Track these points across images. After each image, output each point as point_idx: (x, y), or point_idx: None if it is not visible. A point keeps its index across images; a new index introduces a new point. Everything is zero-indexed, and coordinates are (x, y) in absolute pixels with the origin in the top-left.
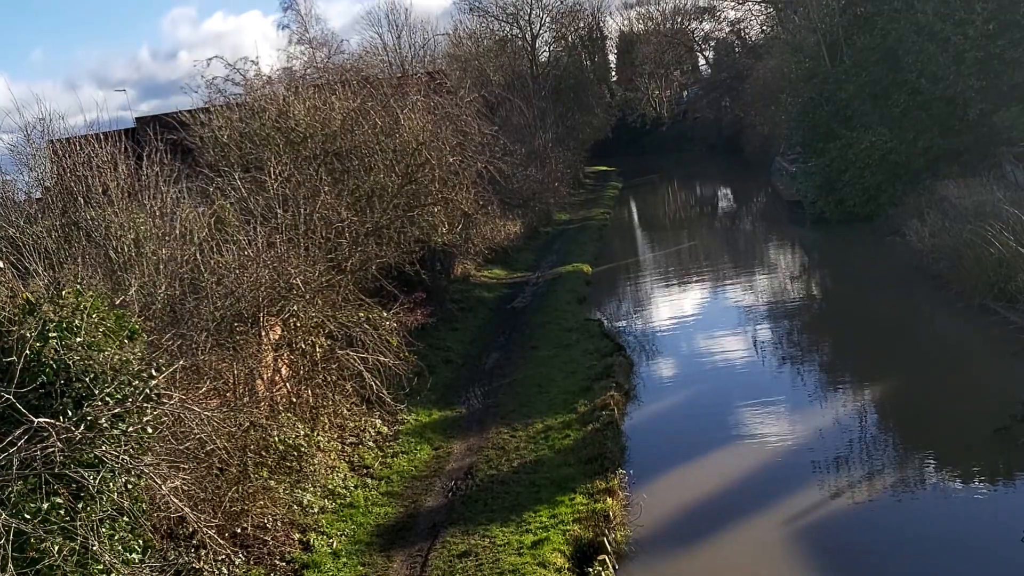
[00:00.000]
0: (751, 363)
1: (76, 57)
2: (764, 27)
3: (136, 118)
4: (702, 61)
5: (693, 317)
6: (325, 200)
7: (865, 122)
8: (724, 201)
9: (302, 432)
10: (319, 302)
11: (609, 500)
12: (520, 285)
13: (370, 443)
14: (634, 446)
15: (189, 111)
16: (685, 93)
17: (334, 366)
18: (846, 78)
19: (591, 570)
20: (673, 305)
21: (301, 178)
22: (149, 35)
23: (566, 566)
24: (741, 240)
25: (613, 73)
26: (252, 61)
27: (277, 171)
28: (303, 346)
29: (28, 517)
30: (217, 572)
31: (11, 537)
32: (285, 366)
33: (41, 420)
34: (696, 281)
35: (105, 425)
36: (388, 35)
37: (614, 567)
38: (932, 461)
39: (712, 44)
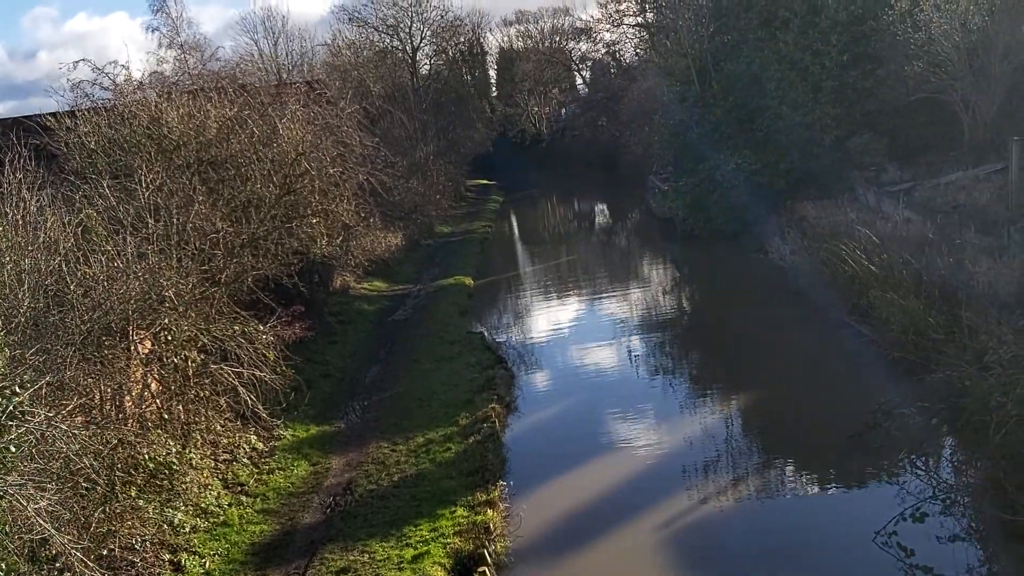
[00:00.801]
0: (625, 374)
1: None
2: (638, 50)
3: None
4: (579, 80)
5: (571, 329)
6: (199, 210)
7: (732, 144)
8: (601, 217)
9: (173, 449)
10: (192, 315)
11: (490, 512)
12: (402, 298)
13: (245, 460)
14: (514, 457)
15: (53, 114)
16: (563, 111)
17: (207, 381)
18: (714, 102)
19: None
20: (552, 318)
21: (174, 187)
22: (7, 33)
23: None
24: (617, 255)
25: (494, 88)
26: (123, 66)
27: (148, 179)
28: (175, 360)
29: None
30: None
31: None
32: (155, 381)
33: None
34: (574, 294)
35: None
36: (264, 42)
37: None
38: (792, 466)
39: (589, 64)
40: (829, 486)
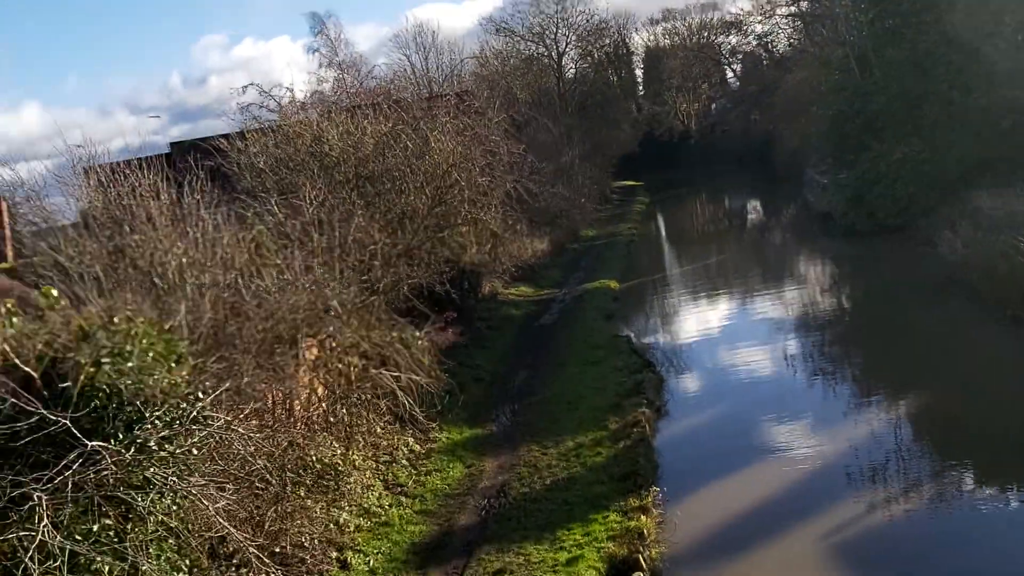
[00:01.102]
0: (783, 377)
1: (109, 84)
2: (791, 40)
3: (171, 143)
4: (730, 74)
5: (723, 331)
6: (358, 223)
7: (896, 133)
8: (753, 214)
9: (338, 451)
10: (354, 323)
11: (643, 517)
12: (548, 302)
13: (403, 461)
14: (667, 463)
15: (225, 136)
16: (713, 106)
17: (368, 385)
18: (876, 90)
19: None
20: (702, 319)
21: (335, 202)
22: (180, 62)
23: None
24: (771, 253)
25: (640, 88)
26: (287, 88)
27: (312, 195)
28: (339, 366)
29: (80, 538)
30: None
31: (65, 558)
32: (321, 386)
33: (95, 444)
34: (725, 295)
35: (154, 447)
36: (416, 57)
37: None
38: (972, 473)
39: (739, 57)
40: (1009, 496)
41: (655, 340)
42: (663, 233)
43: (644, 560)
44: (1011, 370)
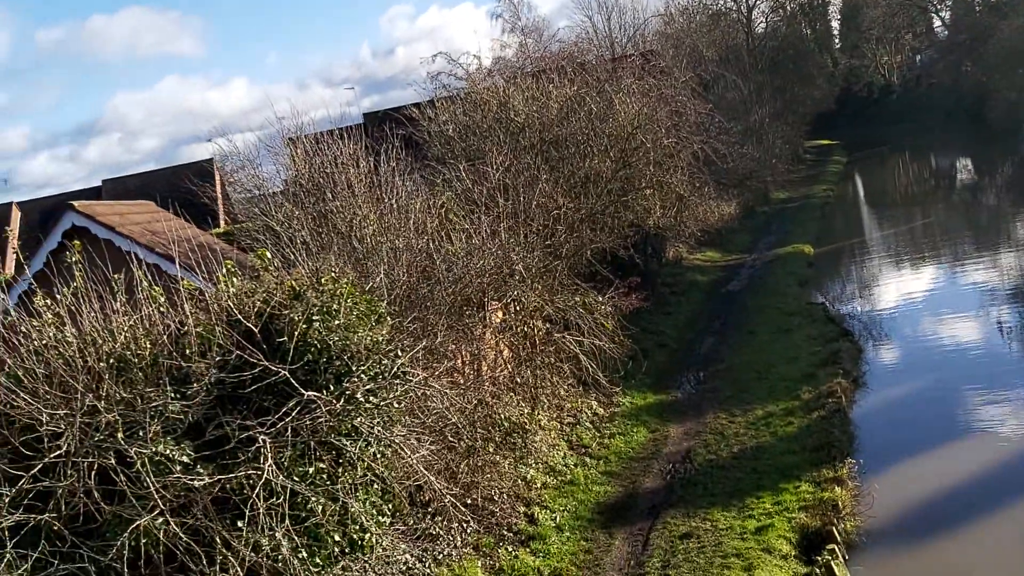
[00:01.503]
0: (994, 350)
1: (305, 59)
2: None
3: (364, 113)
4: (937, 22)
5: (928, 300)
6: (543, 188)
7: None
8: (964, 173)
9: (525, 411)
10: (538, 287)
11: (837, 489)
12: (735, 268)
13: (587, 423)
14: (863, 435)
15: (416, 105)
16: (918, 58)
17: (552, 349)
18: None
19: (819, 559)
20: (905, 287)
21: (520, 167)
22: (369, 34)
23: (792, 553)
24: (983, 215)
25: (836, 41)
26: (474, 55)
27: (498, 161)
28: (524, 329)
29: (298, 479)
30: (451, 539)
31: (287, 496)
32: (507, 348)
33: (310, 393)
34: (931, 261)
35: (361, 399)
36: (598, 17)
37: (844, 557)
38: None
39: (948, 3)
40: None
41: (853, 308)
42: (861, 195)
43: (838, 532)
44: None
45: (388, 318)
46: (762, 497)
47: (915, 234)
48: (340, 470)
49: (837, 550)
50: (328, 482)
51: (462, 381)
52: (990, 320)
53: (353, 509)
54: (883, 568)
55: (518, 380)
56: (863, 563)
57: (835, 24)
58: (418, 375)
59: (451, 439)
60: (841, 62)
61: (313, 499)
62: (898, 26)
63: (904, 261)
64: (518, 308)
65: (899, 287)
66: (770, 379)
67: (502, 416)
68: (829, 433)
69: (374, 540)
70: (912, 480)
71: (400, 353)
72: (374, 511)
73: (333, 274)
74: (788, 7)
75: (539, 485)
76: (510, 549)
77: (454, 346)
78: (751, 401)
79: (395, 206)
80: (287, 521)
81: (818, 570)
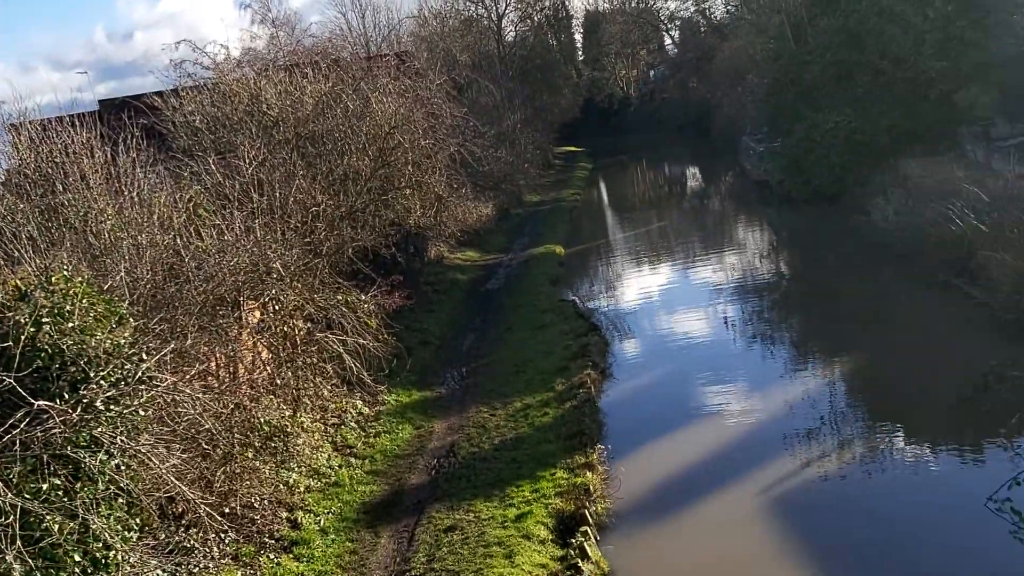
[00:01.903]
0: (721, 340)
1: (30, 39)
2: (729, 7)
3: (100, 100)
4: (668, 41)
5: (664, 296)
6: (300, 184)
7: (830, 103)
8: (693, 181)
9: (286, 413)
10: (297, 285)
11: (589, 474)
12: (493, 267)
13: (352, 423)
14: (611, 422)
15: (159, 93)
16: (652, 73)
17: (314, 348)
18: (810, 59)
19: (574, 541)
20: (645, 284)
21: (275, 162)
22: (104, 15)
23: (549, 538)
24: (710, 219)
25: (580, 53)
26: (221, 45)
27: (251, 155)
28: (283, 329)
29: (29, 496)
30: (207, 551)
31: (17, 516)
32: (265, 349)
33: (41, 403)
34: (666, 260)
35: (101, 407)
36: (352, 15)
37: (596, 537)
38: (901, 431)
39: (678, 23)
40: (940, 450)
41: (600, 304)
42: (605, 199)
43: (590, 515)
44: (940, 334)
45: (130, 319)
46: (521, 486)
47: (652, 236)
48: (79, 485)
49: (590, 531)
50: (65, 498)
51: (216, 385)
52: (717, 314)
53: (95, 526)
54: (631, 544)
55: (278, 382)
56: (613, 542)
57: (579, 37)
58: (166, 379)
59: (206, 446)
60: (585, 73)
61: (48, 517)
62: (634, 42)
63: (644, 261)
64: (277, 307)
65: (640, 284)
66: (527, 373)
67: (261, 420)
68: (581, 422)
69: (120, 558)
70: (654, 461)
71: (145, 357)
72: (119, 527)
73: (65, 272)
74: (535, 18)
75: (302, 489)
76: (272, 556)
77: (207, 348)
78: (510, 394)
79: (136, 199)
80: (18, 543)
81: (573, 552)
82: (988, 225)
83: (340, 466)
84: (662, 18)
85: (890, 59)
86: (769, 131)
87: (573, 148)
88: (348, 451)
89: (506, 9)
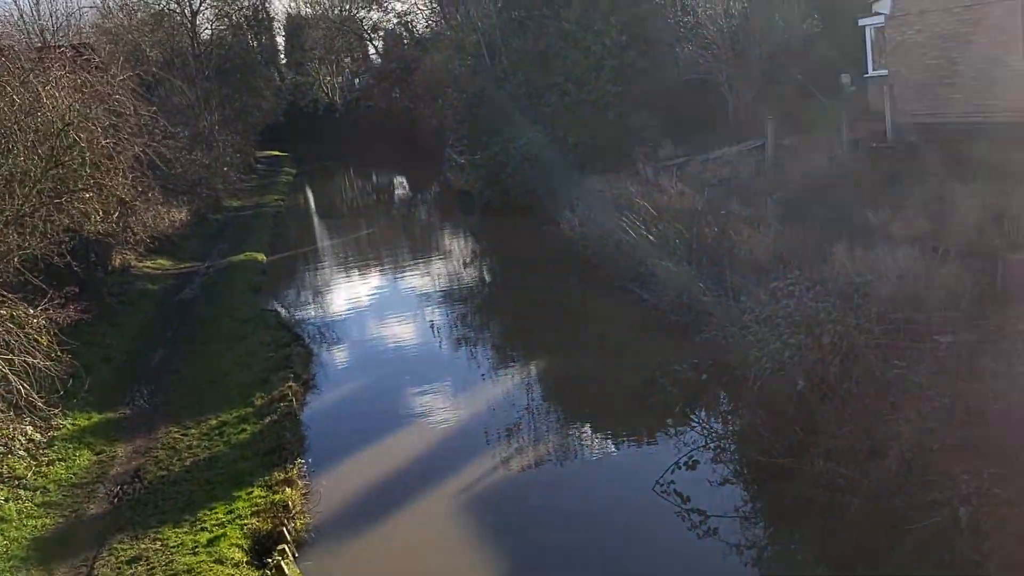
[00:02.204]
0: (427, 346)
1: None
2: (430, 21)
3: None
4: (373, 50)
5: (372, 303)
6: None
7: (523, 119)
8: (400, 189)
9: None
10: None
11: (288, 490)
12: (189, 276)
13: (21, 452)
14: (313, 435)
15: None
16: (357, 81)
17: None
18: (505, 77)
19: (271, 561)
20: (352, 292)
21: None
22: None
23: (244, 560)
24: (416, 227)
25: (283, 56)
26: None
27: None
28: None
29: None
30: None
31: None
32: None
33: None
34: (374, 268)
35: None
36: (24, 1)
37: (294, 555)
38: (588, 426)
39: (381, 34)
40: (619, 442)
41: (305, 313)
42: (312, 205)
43: (288, 532)
44: (620, 334)
45: None
46: (215, 508)
47: (360, 243)
48: None
49: (287, 549)
50: None
51: None
52: (424, 320)
53: None
54: (331, 558)
55: None
56: (313, 557)
57: (281, 40)
58: None
59: None
60: (288, 77)
61: None
62: (338, 49)
63: (352, 268)
64: None
65: (347, 292)
66: (225, 387)
67: None
68: (281, 436)
69: None
70: (357, 471)
71: None
72: None
73: None
74: (234, 17)
75: None
76: None
77: None
78: (205, 411)
79: None
80: None
81: (269, 572)
82: (655, 235)
83: (6, 500)
84: (366, 28)
85: (574, 81)
86: (469, 143)
87: (277, 152)
88: (17, 482)
89: (201, 5)
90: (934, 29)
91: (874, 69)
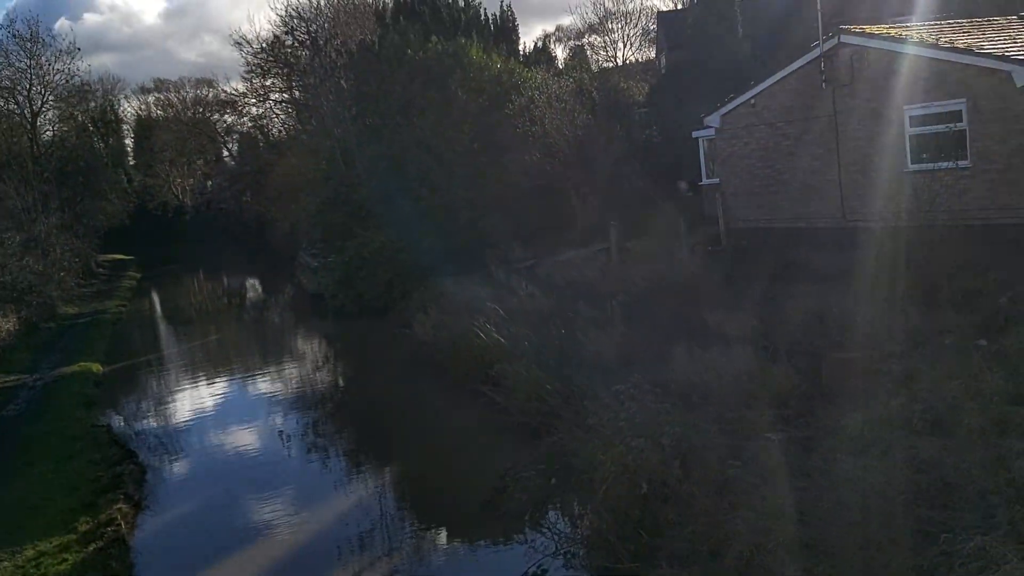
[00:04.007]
0: (276, 455)
1: None
2: (285, 125)
3: None
4: (226, 152)
5: (219, 412)
6: None
7: (378, 222)
8: (252, 292)
9: None
10: None
11: None
12: (14, 390)
13: None
14: (143, 561)
15: None
16: (209, 183)
17: None
18: (359, 182)
19: None
20: (198, 400)
21: None
22: None
23: None
24: (268, 331)
25: (131, 157)
26: None
27: None
28: None
29: None
30: None
31: None
32: None
33: None
34: (222, 375)
35: None
36: None
37: None
38: (439, 534)
39: (236, 137)
40: (474, 550)
41: (143, 426)
42: (159, 310)
43: None
44: (473, 439)
45: None
46: None
47: (209, 349)
48: None
49: None
50: None
51: None
52: (273, 427)
53: None
54: None
55: None
56: None
57: (130, 141)
58: None
59: None
60: (136, 179)
61: None
62: (190, 151)
63: (199, 375)
64: None
65: (193, 401)
66: (47, 513)
67: None
68: (106, 565)
69: None
70: None
71: None
72: None
73: None
74: (79, 118)
75: None
76: None
77: None
78: (23, 541)
79: None
80: None
81: None
82: (506, 337)
83: None
84: (219, 130)
85: (427, 186)
86: (323, 247)
87: (122, 256)
88: None
89: (43, 106)
90: (760, 142)
91: (708, 178)
